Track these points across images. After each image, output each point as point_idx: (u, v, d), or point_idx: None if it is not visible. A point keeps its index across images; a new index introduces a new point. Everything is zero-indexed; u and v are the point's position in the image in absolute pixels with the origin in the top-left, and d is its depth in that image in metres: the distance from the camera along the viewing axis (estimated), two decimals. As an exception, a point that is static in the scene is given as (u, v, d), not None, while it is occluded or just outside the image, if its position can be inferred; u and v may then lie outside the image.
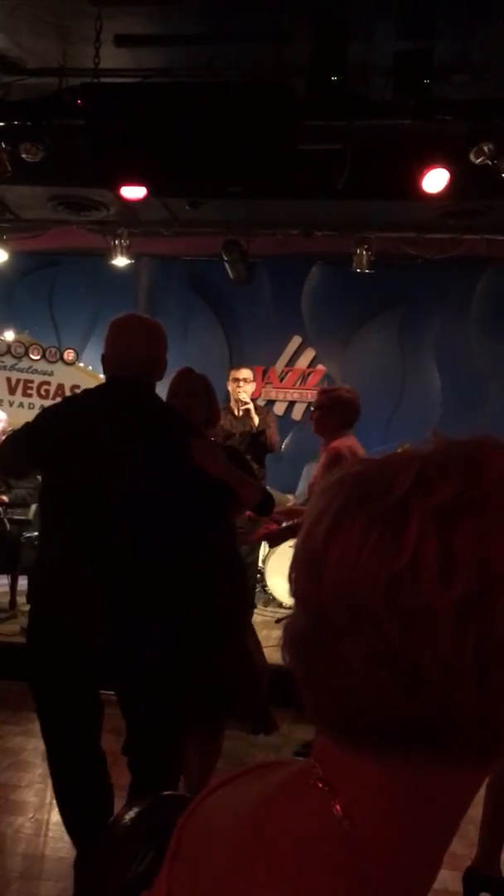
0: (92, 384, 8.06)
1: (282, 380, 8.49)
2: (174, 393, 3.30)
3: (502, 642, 0.50)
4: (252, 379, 6.21)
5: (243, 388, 6.02)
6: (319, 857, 0.55)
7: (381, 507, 0.53)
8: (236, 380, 6.09)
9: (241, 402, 5.98)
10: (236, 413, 6.03)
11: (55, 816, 3.32)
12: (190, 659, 2.63)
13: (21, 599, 5.79)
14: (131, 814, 0.71)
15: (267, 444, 6.03)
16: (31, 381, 7.49)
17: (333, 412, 4.01)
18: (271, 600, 6.71)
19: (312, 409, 4.19)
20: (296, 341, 8.52)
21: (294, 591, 0.59)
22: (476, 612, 0.50)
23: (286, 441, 7.67)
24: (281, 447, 6.75)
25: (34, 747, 4.00)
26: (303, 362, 8.54)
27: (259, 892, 0.54)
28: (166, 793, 0.73)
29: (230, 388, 6.14)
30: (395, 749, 0.54)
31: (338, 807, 0.56)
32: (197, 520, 2.68)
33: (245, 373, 6.17)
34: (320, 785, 0.57)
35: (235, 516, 3.26)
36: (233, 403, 6.06)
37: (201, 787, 2.98)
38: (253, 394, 6.36)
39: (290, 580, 0.59)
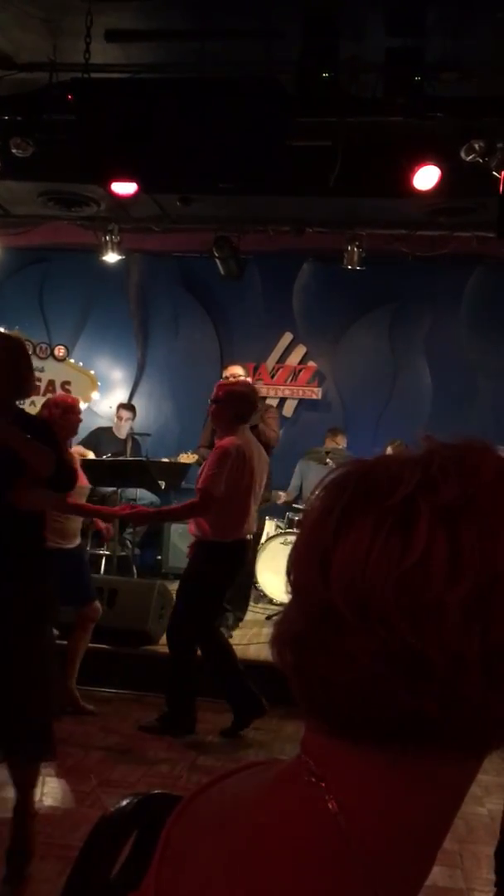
0: (83, 380, 8.13)
1: (273, 376, 8.48)
2: None
3: None
4: (243, 374, 6.10)
5: None
6: (314, 853, 0.55)
7: (390, 505, 0.54)
8: (226, 378, 6.04)
9: None
10: None
11: (43, 813, 3.32)
12: None
13: None
14: (119, 812, 0.71)
15: (262, 440, 5.95)
16: (22, 378, 7.46)
17: (226, 406, 4.14)
18: (262, 597, 6.71)
19: (210, 401, 4.32)
20: (287, 338, 8.52)
21: (294, 589, 0.59)
22: (483, 606, 0.51)
23: (277, 438, 7.67)
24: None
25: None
26: (294, 359, 8.53)
27: (252, 890, 0.54)
28: (155, 791, 0.73)
29: None
30: (392, 743, 0.55)
31: (332, 802, 0.56)
32: None
33: (232, 370, 6.10)
34: (314, 780, 0.57)
35: (26, 491, 2.85)
36: None
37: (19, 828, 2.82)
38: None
39: (290, 578, 0.59)
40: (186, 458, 6.59)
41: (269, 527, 6.99)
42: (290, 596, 0.60)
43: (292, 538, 6.11)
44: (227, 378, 6.04)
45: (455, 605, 0.51)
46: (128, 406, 7.92)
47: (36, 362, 7.42)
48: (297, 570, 0.59)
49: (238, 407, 4.17)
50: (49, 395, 7.50)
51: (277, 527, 7.01)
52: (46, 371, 7.69)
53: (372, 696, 0.54)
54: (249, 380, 6.17)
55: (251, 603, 6.39)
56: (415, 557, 0.52)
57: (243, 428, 4.20)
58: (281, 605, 6.22)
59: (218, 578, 4.27)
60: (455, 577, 0.51)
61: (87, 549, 6.14)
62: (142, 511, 4.58)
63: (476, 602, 0.51)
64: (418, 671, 0.52)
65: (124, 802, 0.72)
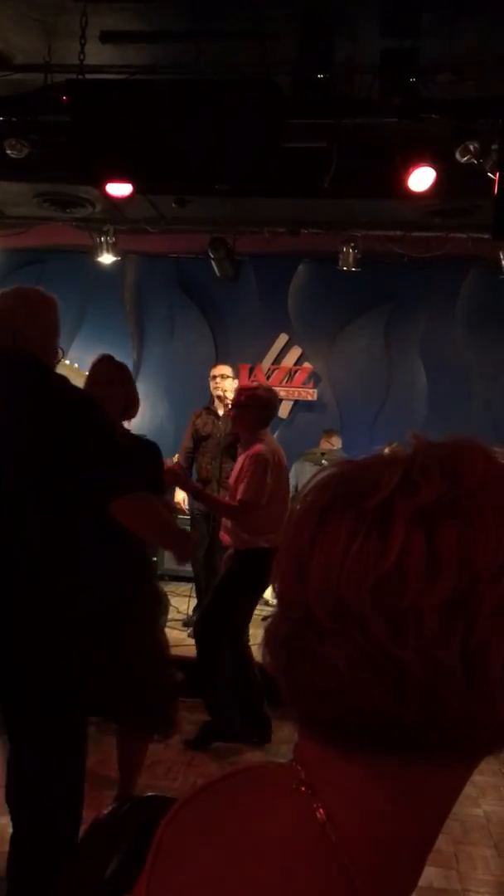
0: (78, 382, 8.08)
1: (268, 378, 8.47)
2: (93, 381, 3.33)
3: (487, 641, 0.50)
4: (231, 375, 5.94)
5: (220, 384, 5.76)
6: (303, 861, 0.54)
7: (367, 507, 0.53)
8: (213, 377, 5.87)
9: (223, 399, 5.67)
10: (218, 412, 5.73)
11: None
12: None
13: None
14: (113, 814, 0.71)
15: None
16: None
17: (251, 410, 4.11)
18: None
19: (230, 406, 4.29)
20: (282, 339, 8.52)
21: (278, 593, 0.58)
22: (461, 611, 0.50)
23: (273, 439, 7.66)
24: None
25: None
26: (289, 360, 8.53)
27: None
28: (149, 794, 0.73)
29: (210, 388, 5.97)
30: (379, 751, 0.54)
31: (321, 810, 0.55)
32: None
33: (221, 369, 5.92)
34: (303, 788, 0.56)
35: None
36: (216, 403, 5.81)
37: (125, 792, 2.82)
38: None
39: (274, 581, 0.59)
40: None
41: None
42: (276, 600, 0.59)
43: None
44: (213, 376, 5.94)
45: (432, 608, 0.50)
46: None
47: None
48: (279, 573, 0.58)
49: (264, 411, 4.13)
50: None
51: (273, 528, 7.00)
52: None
53: (355, 703, 0.53)
54: (236, 381, 6.07)
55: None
56: (391, 561, 0.51)
57: (266, 431, 4.16)
58: (275, 606, 6.19)
59: (262, 584, 4.22)
60: (432, 580, 0.50)
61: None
62: (183, 475, 4.27)
63: (456, 605, 0.50)
64: (398, 677, 0.51)
65: (118, 805, 0.71)
